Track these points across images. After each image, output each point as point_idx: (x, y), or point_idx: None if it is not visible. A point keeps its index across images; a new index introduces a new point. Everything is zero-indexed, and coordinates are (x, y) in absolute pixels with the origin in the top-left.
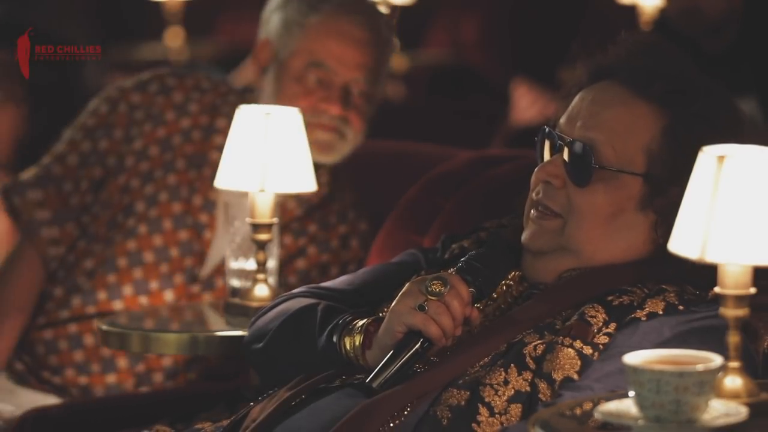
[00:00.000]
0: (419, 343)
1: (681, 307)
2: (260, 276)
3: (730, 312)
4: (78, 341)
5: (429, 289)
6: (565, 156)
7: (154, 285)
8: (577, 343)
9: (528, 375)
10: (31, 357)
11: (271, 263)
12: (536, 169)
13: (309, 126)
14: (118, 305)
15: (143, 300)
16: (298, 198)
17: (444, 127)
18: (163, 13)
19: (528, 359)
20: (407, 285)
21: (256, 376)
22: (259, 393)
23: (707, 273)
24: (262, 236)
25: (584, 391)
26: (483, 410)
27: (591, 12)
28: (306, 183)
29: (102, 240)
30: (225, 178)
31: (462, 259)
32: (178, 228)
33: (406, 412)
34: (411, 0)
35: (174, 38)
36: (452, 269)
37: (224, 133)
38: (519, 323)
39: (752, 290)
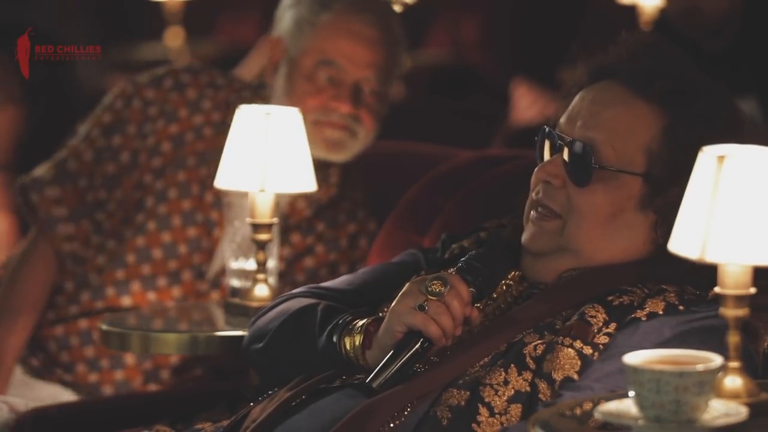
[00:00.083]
0: (419, 343)
1: (681, 307)
2: (260, 276)
3: (730, 312)
4: (88, 337)
5: (429, 289)
6: (565, 156)
7: (161, 281)
8: (577, 343)
9: (528, 375)
10: (44, 354)
11: (271, 263)
12: (536, 169)
13: (319, 124)
14: (126, 301)
15: (151, 296)
16: (308, 198)
17: (444, 127)
18: (163, 13)
19: (528, 359)
20: (407, 285)
21: (256, 376)
22: (259, 393)
23: (707, 273)
24: (262, 236)
25: (584, 391)
26: (483, 410)
27: (591, 12)
28: (306, 183)
29: (114, 236)
30: (225, 178)
31: (462, 259)
32: (187, 225)
33: (406, 413)
34: (411, 0)
35: (174, 38)
36: (452, 269)
37: None
38: (519, 323)
39: (752, 290)
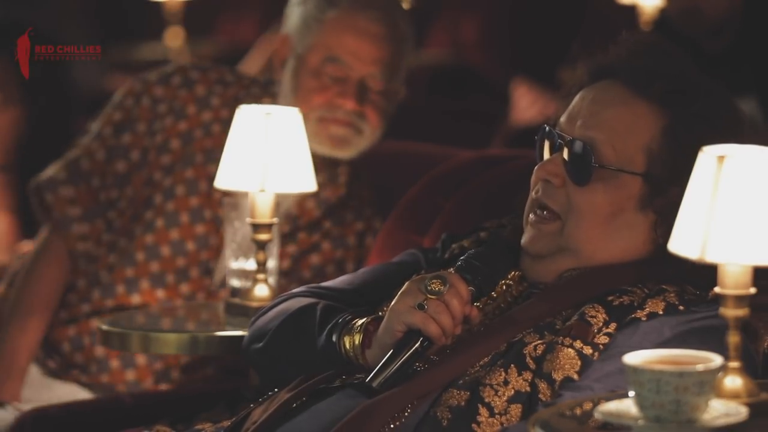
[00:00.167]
0: (419, 342)
1: (681, 307)
2: (260, 276)
3: (730, 312)
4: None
5: (428, 287)
6: (565, 155)
7: (170, 278)
8: (577, 343)
9: (528, 375)
10: (59, 356)
11: (271, 263)
12: (536, 168)
13: (324, 121)
14: (135, 299)
15: (160, 293)
16: (317, 198)
17: (444, 127)
18: (163, 13)
19: (528, 359)
20: (407, 284)
21: (256, 376)
22: (260, 393)
23: (707, 273)
24: (262, 236)
25: (584, 391)
26: (483, 410)
27: (591, 12)
28: (306, 183)
29: (125, 234)
30: (225, 178)
31: (461, 258)
32: (195, 222)
33: (406, 413)
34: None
35: (174, 38)
36: (452, 268)
37: None
38: (519, 323)
39: (752, 290)
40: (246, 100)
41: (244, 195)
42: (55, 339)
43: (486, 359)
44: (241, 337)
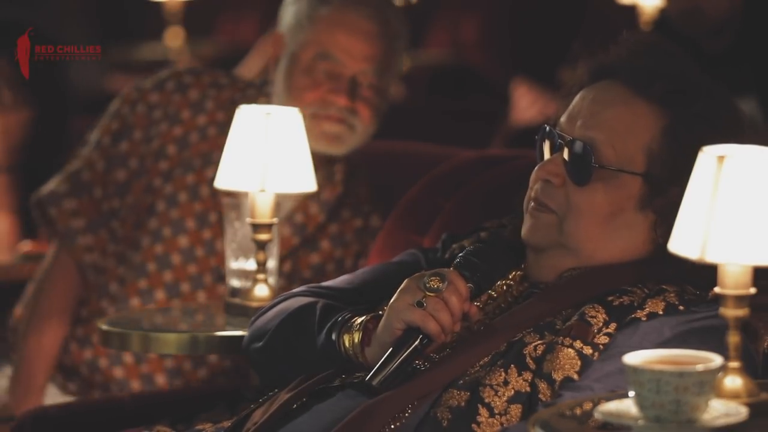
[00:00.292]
0: (418, 340)
1: (681, 307)
2: (260, 276)
3: (730, 312)
4: (117, 358)
5: (427, 285)
6: (565, 155)
7: (185, 287)
8: (577, 343)
9: (528, 375)
10: (79, 378)
11: (271, 263)
12: (536, 168)
13: (317, 118)
14: None
15: (176, 304)
16: (319, 202)
17: (444, 127)
18: (163, 13)
19: (528, 359)
20: (405, 281)
21: (256, 376)
22: (260, 393)
23: (707, 273)
24: (262, 236)
25: (584, 391)
26: (483, 411)
27: (591, 12)
28: (306, 183)
29: (129, 243)
30: (225, 178)
31: (459, 255)
32: (202, 227)
33: (407, 414)
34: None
35: (174, 38)
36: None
37: None
38: (519, 323)
39: (752, 290)
40: (242, 102)
41: (244, 195)
42: (73, 364)
43: (486, 359)
44: (241, 337)
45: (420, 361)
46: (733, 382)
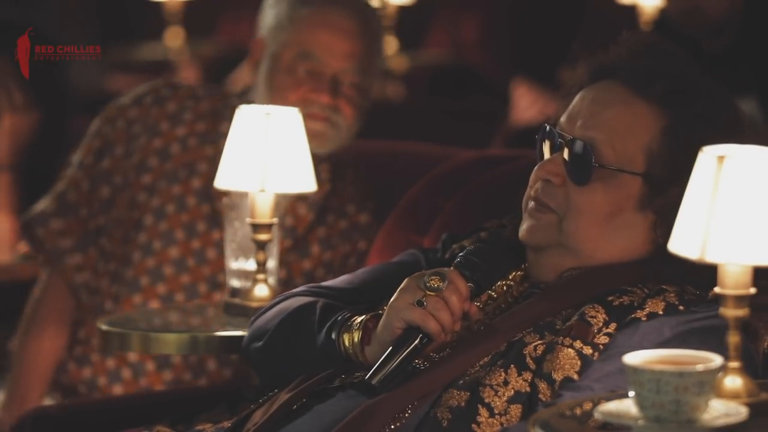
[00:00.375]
0: (418, 339)
1: (681, 307)
2: (260, 276)
3: (730, 312)
4: (116, 375)
5: (427, 284)
6: (565, 155)
7: (179, 297)
8: (577, 343)
9: (528, 375)
10: (77, 397)
11: (271, 263)
12: (536, 168)
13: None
14: None
15: (176, 304)
16: (307, 203)
17: (444, 127)
18: (163, 13)
19: (528, 359)
20: (405, 281)
21: (256, 376)
22: (260, 393)
23: (707, 273)
24: (262, 236)
25: (584, 391)
26: (483, 411)
27: (591, 12)
28: (306, 183)
29: (119, 259)
30: (225, 178)
31: (459, 254)
32: (191, 237)
33: (407, 414)
34: (411, 0)
35: (174, 38)
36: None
37: None
38: (519, 323)
39: (752, 290)
40: (225, 111)
41: (244, 195)
42: (72, 382)
43: (486, 359)
44: (241, 337)
45: (420, 361)
46: (733, 382)
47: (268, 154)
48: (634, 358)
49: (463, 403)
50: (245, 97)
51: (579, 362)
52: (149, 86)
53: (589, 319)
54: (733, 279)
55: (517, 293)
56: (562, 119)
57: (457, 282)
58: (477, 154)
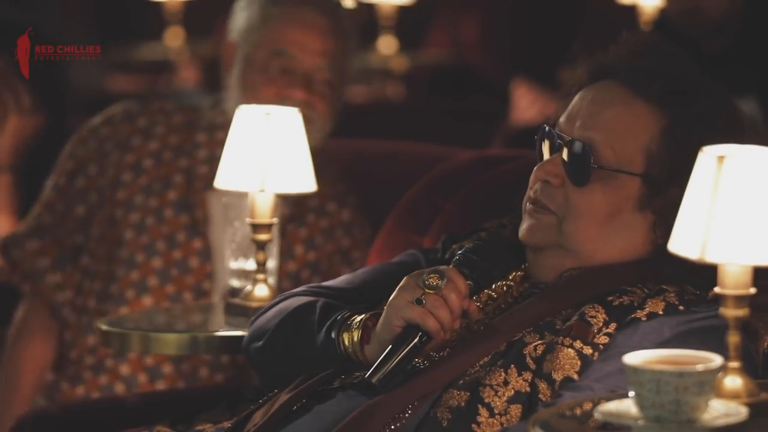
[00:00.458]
0: (417, 337)
1: (681, 307)
2: (260, 276)
3: (730, 312)
4: (109, 390)
5: (426, 282)
6: (564, 155)
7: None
8: (577, 343)
9: (528, 375)
10: None
11: (271, 263)
12: (535, 168)
13: None
14: None
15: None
16: (285, 199)
17: (444, 127)
18: (163, 13)
19: (528, 359)
20: (404, 279)
21: (256, 376)
22: (260, 393)
23: (707, 273)
24: (262, 236)
25: (584, 391)
26: (483, 411)
27: (591, 12)
28: (306, 183)
29: (104, 277)
30: (225, 178)
31: (459, 252)
32: (172, 248)
33: (407, 414)
34: (411, 0)
35: (174, 38)
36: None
37: (206, 146)
38: (519, 322)
39: (752, 290)
40: (200, 123)
41: (243, 195)
42: (64, 400)
43: (486, 359)
44: (241, 337)
45: (420, 360)
46: (733, 382)
47: (267, 154)
48: (634, 358)
49: (463, 403)
50: (218, 106)
51: (579, 362)
52: (119, 105)
53: (589, 319)
54: (733, 279)
55: (517, 293)
56: (562, 119)
57: (456, 280)
58: (477, 154)
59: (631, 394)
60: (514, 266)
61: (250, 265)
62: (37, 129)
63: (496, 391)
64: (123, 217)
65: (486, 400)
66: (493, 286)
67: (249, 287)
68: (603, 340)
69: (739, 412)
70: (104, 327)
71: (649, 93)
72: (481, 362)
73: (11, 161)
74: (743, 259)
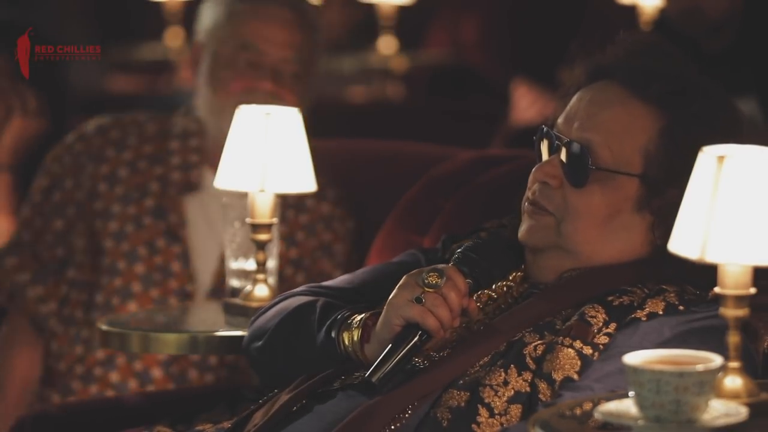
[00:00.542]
0: (417, 336)
1: (681, 308)
2: (260, 276)
3: (730, 312)
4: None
5: (426, 281)
6: (563, 156)
7: None
8: (577, 343)
9: (528, 375)
10: None
11: (271, 263)
12: (534, 169)
13: None
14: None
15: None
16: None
17: (444, 127)
18: (163, 13)
19: (528, 359)
20: (404, 278)
21: (256, 376)
22: (260, 393)
23: (707, 273)
24: (262, 236)
25: (584, 391)
26: (483, 411)
27: (591, 12)
28: (306, 183)
29: (90, 287)
30: (225, 178)
31: (458, 251)
32: (153, 254)
33: (407, 414)
34: (411, 0)
35: (174, 38)
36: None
37: (179, 153)
38: (519, 322)
39: (752, 290)
40: (175, 130)
41: (243, 195)
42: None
43: (486, 359)
44: (241, 337)
45: (420, 360)
46: (733, 382)
47: (267, 154)
48: (634, 358)
49: (463, 403)
50: (190, 111)
51: (579, 362)
52: (92, 121)
53: (589, 319)
54: (733, 279)
55: (517, 294)
56: (560, 120)
57: (456, 278)
58: (477, 154)
59: (631, 394)
60: (514, 266)
61: (250, 265)
62: (39, 132)
63: (496, 391)
64: (102, 226)
65: (486, 400)
66: (493, 287)
67: (249, 287)
68: (603, 340)
69: (739, 412)
70: (104, 327)
71: (647, 93)
72: (481, 362)
73: (11, 161)
74: (743, 259)
